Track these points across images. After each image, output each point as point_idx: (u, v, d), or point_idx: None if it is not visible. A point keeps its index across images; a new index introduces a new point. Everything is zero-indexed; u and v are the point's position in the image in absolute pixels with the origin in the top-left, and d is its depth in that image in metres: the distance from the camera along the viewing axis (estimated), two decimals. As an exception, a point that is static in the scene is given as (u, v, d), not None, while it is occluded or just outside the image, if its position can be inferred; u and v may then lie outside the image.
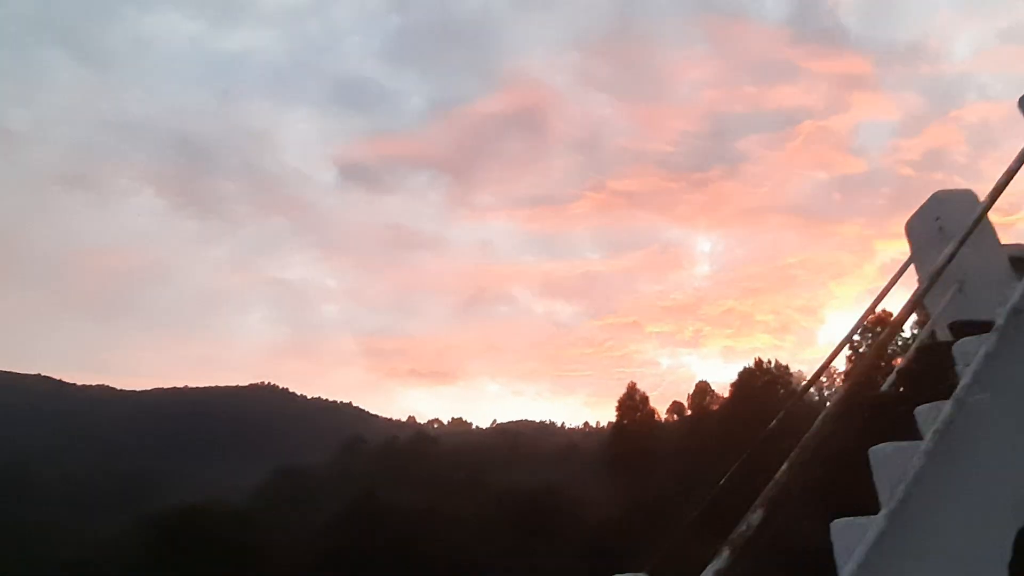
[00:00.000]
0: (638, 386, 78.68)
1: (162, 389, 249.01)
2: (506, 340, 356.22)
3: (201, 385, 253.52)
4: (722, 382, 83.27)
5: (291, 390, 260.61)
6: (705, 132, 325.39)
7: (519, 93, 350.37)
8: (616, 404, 76.02)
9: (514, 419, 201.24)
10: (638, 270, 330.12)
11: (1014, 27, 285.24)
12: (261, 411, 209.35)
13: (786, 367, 69.49)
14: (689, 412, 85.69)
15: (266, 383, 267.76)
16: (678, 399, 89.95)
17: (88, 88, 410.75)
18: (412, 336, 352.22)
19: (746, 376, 70.65)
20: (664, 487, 53.90)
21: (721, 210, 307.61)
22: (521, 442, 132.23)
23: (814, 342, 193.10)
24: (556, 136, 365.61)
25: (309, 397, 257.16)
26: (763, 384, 69.94)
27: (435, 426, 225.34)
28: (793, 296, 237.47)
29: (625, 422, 72.63)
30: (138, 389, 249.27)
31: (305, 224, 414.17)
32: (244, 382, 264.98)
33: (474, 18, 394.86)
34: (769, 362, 70.09)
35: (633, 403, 74.41)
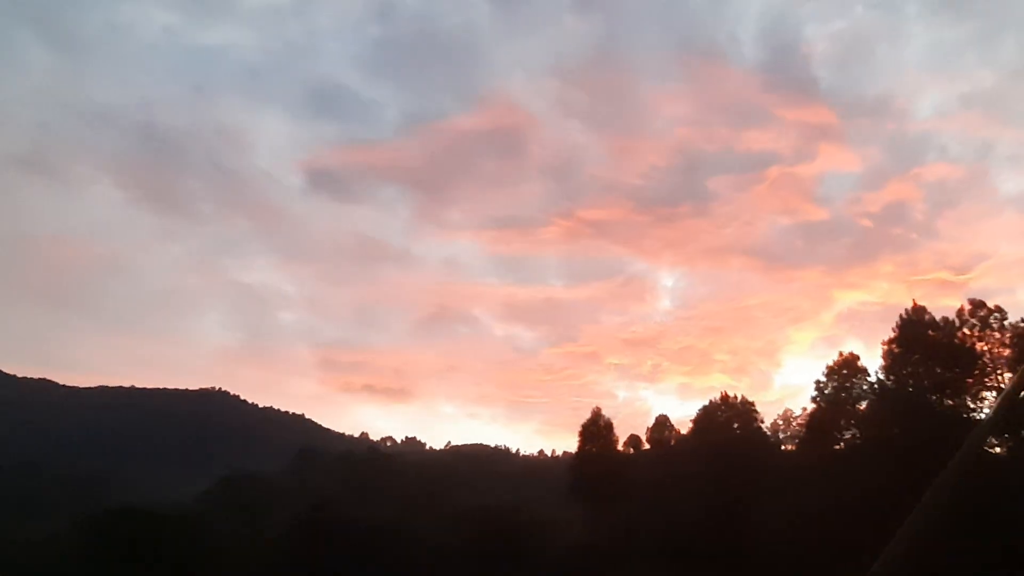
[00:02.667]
0: (602, 414, 78.30)
1: (107, 387, 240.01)
2: (464, 361, 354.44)
3: (149, 386, 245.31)
4: (678, 418, 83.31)
5: (243, 397, 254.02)
6: (676, 168, 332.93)
7: (496, 113, 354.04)
8: (579, 429, 75.41)
9: (468, 442, 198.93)
10: (601, 300, 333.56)
11: (975, 93, 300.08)
12: (210, 417, 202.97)
13: (752, 403, 70.00)
14: (647, 446, 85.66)
15: (217, 389, 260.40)
16: (635, 432, 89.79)
17: (54, 71, 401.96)
18: (370, 350, 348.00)
19: (710, 410, 70.95)
20: (631, 516, 53.46)
21: (687, 247, 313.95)
22: (476, 465, 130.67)
23: (770, 385, 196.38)
24: (529, 160, 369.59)
25: (261, 406, 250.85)
26: (725, 419, 70.35)
27: (388, 444, 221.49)
28: (752, 338, 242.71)
29: (589, 448, 72.07)
30: (82, 386, 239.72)
31: (269, 228, 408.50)
32: (194, 386, 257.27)
33: (456, 35, 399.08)
34: (735, 397, 70.60)
35: (597, 429, 73.97)
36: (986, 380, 52.02)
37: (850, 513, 45.85)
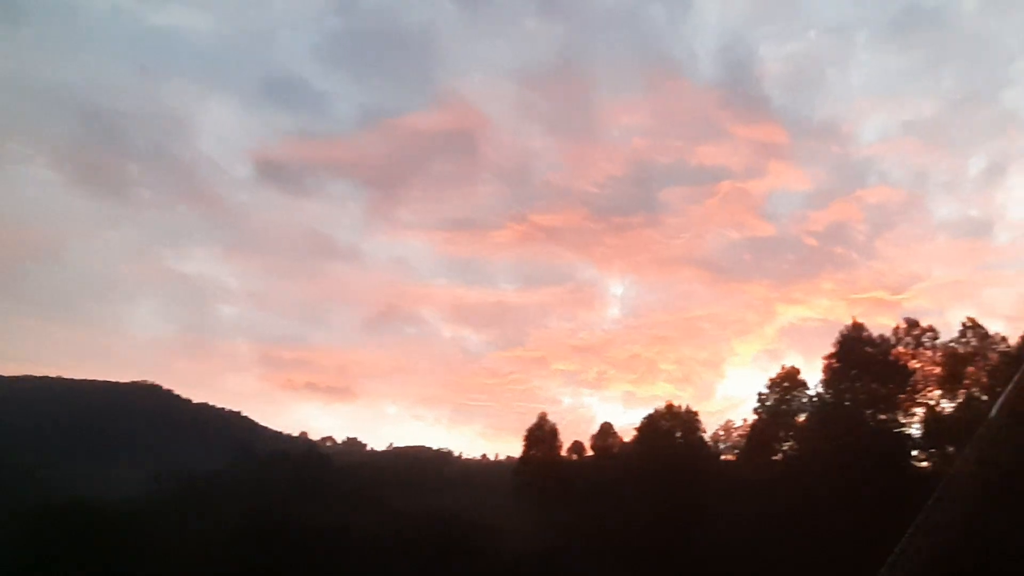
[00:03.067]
0: (547, 419, 78.44)
1: (32, 376, 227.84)
2: (410, 362, 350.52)
3: (77, 377, 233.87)
4: (622, 426, 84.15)
5: (177, 392, 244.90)
6: (630, 178, 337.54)
7: (453, 113, 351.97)
8: (525, 434, 75.39)
9: (411, 444, 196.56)
10: (550, 306, 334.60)
11: (916, 121, 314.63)
12: (142, 411, 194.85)
13: (695, 413, 71.27)
14: (590, 452, 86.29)
15: (149, 382, 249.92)
16: (578, 438, 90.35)
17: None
18: (313, 348, 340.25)
19: (654, 418, 71.90)
20: (572, 521, 53.51)
21: (638, 256, 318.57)
22: (418, 467, 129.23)
23: (713, 395, 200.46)
24: (485, 162, 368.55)
25: (195, 402, 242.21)
26: (669, 428, 71.39)
27: (328, 444, 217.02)
28: (698, 348, 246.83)
29: (533, 452, 72.08)
30: (6, 375, 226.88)
31: (212, 218, 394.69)
32: (125, 378, 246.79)
33: (417, 32, 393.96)
34: (680, 406, 71.74)
35: (542, 434, 74.09)
36: (916, 397, 54.21)
37: (786, 522, 47.01)
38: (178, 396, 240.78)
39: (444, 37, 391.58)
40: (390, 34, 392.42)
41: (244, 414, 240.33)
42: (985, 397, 51.17)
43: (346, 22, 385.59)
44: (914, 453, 53.32)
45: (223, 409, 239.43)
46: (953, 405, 52.19)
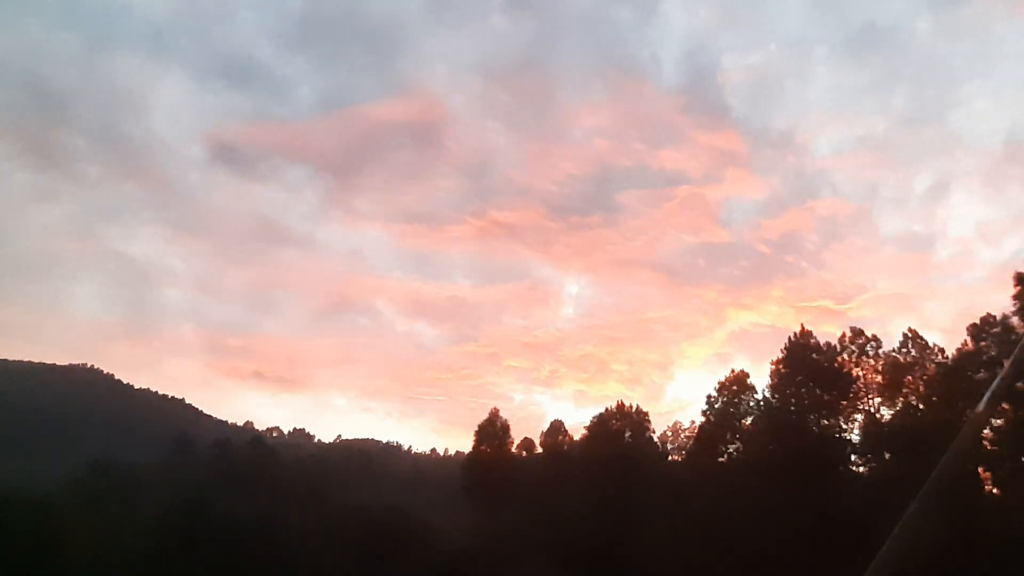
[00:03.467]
0: (499, 415, 78.13)
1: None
2: (362, 354, 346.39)
3: (11, 358, 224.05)
4: (572, 424, 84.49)
5: (117, 377, 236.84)
6: (590, 178, 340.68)
7: (415, 106, 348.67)
8: (476, 429, 74.89)
9: (360, 436, 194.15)
10: (505, 302, 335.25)
11: (867, 137, 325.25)
12: (79, 395, 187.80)
13: (646, 413, 71.86)
14: (540, 450, 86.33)
15: (88, 365, 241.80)
16: (528, 435, 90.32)
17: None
18: (262, 336, 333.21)
19: (605, 417, 72.29)
20: (519, 518, 53.25)
21: (594, 256, 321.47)
22: (366, 461, 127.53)
23: (662, 397, 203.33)
24: (446, 156, 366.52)
25: (136, 387, 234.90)
26: (619, 428, 71.87)
27: (274, 434, 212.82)
28: (649, 350, 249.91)
29: (483, 448, 71.64)
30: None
31: (160, 198, 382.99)
32: (63, 361, 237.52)
33: (381, 21, 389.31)
34: (630, 406, 72.24)
35: (493, 430, 73.69)
36: (858, 404, 55.65)
37: (728, 522, 47.69)
38: (119, 381, 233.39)
39: (409, 28, 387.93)
40: (354, 21, 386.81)
41: (188, 401, 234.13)
42: (922, 406, 52.88)
43: (308, 6, 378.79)
44: (853, 458, 54.72)
45: (166, 396, 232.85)
46: (891, 413, 53.73)
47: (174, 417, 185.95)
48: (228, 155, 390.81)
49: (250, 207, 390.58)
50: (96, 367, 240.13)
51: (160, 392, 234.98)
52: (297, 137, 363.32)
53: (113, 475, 70.50)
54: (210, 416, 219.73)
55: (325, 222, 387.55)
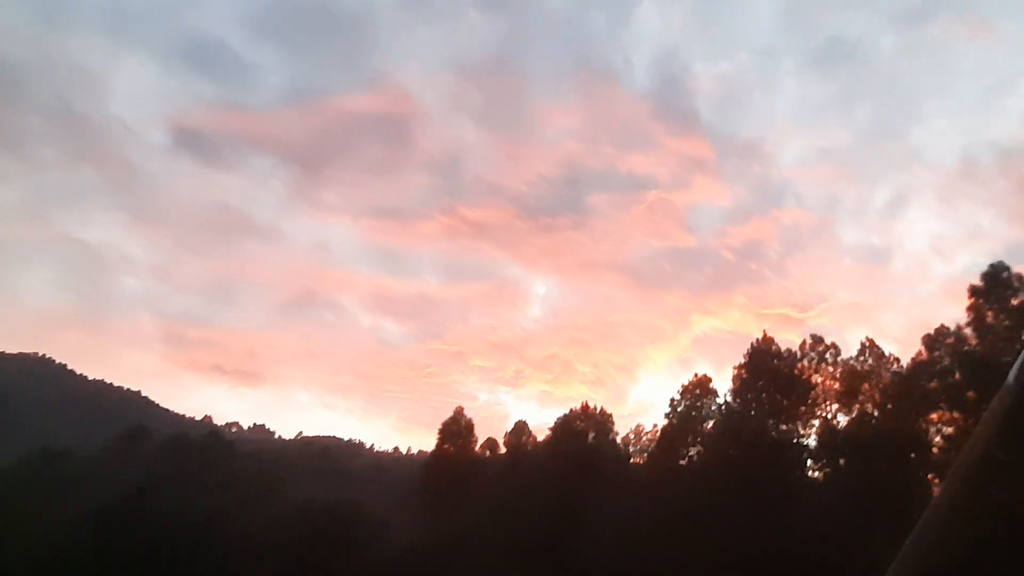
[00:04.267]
0: (464, 414, 77.66)
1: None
2: (325, 349, 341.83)
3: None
4: (536, 425, 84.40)
5: (70, 367, 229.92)
6: (560, 180, 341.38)
7: (386, 99, 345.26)
8: (440, 427, 74.31)
9: (321, 433, 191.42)
10: (473, 301, 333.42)
11: (831, 149, 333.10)
12: (28, 384, 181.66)
13: (609, 415, 72.09)
14: (503, 449, 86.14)
15: (39, 354, 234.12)
16: (492, 435, 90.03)
17: None
18: (223, 328, 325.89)
19: (569, 418, 72.34)
20: (478, 517, 52.79)
21: (562, 258, 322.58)
22: (326, 458, 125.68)
23: (625, 399, 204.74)
24: (416, 151, 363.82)
25: (90, 378, 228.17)
26: (583, 429, 71.99)
27: (233, 430, 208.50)
28: (614, 352, 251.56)
29: (447, 447, 71.12)
30: None
31: (118, 183, 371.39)
32: (12, 349, 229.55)
33: (354, 11, 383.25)
34: (595, 407, 72.45)
35: (457, 428, 73.22)
36: (816, 410, 56.60)
37: (686, 524, 47.99)
38: (72, 371, 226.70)
39: (382, 20, 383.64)
40: (326, 10, 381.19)
41: (144, 394, 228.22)
42: (877, 413, 54.01)
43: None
44: (809, 463, 55.59)
45: (121, 387, 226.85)
46: (848, 419, 54.74)
47: (129, 409, 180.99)
48: (191, 141, 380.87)
49: (213, 196, 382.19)
50: (47, 356, 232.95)
51: (115, 383, 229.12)
52: (264, 126, 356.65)
53: (60, 462, 68.28)
54: (167, 409, 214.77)
55: (291, 214, 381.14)
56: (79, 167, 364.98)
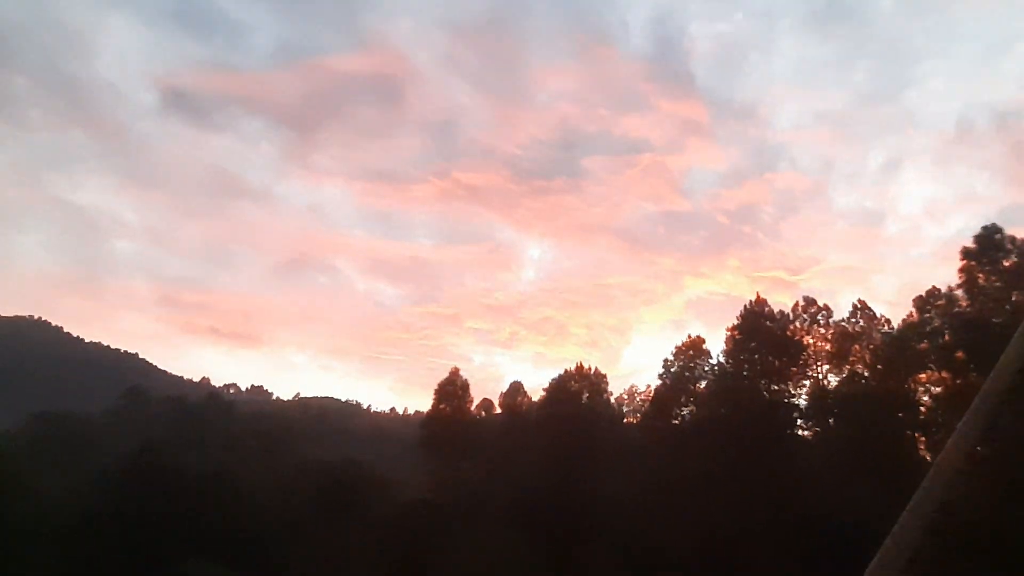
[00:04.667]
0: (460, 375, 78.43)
1: None
2: (321, 312, 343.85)
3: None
4: (530, 386, 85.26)
5: (66, 330, 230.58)
6: (555, 143, 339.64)
7: (379, 59, 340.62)
8: (436, 388, 75.05)
9: (319, 395, 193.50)
10: (467, 264, 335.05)
11: (827, 112, 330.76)
12: (26, 348, 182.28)
13: (604, 376, 72.92)
14: (499, 410, 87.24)
15: (36, 318, 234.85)
16: (487, 397, 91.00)
17: None
18: (218, 291, 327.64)
19: (564, 379, 73.17)
20: (476, 476, 53.91)
21: (556, 221, 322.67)
22: (324, 419, 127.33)
23: (619, 361, 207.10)
24: (410, 113, 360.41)
25: (87, 341, 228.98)
26: (577, 389, 72.94)
27: (231, 391, 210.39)
28: (608, 314, 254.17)
29: (443, 407, 72.01)
30: None
31: (109, 146, 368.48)
32: (8, 312, 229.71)
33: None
34: (589, 368, 73.22)
35: (453, 389, 74.03)
36: (808, 371, 57.47)
37: (680, 482, 49.19)
38: (68, 334, 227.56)
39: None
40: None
41: (141, 356, 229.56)
42: (867, 374, 54.93)
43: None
44: (800, 423, 56.69)
45: (118, 350, 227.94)
46: (838, 380, 55.68)
47: (127, 371, 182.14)
48: (181, 103, 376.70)
49: (205, 158, 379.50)
50: (43, 319, 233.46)
51: (112, 346, 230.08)
52: (255, 87, 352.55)
53: (61, 425, 69.06)
54: (164, 371, 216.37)
55: (284, 177, 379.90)
56: (69, 129, 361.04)
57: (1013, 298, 45.67)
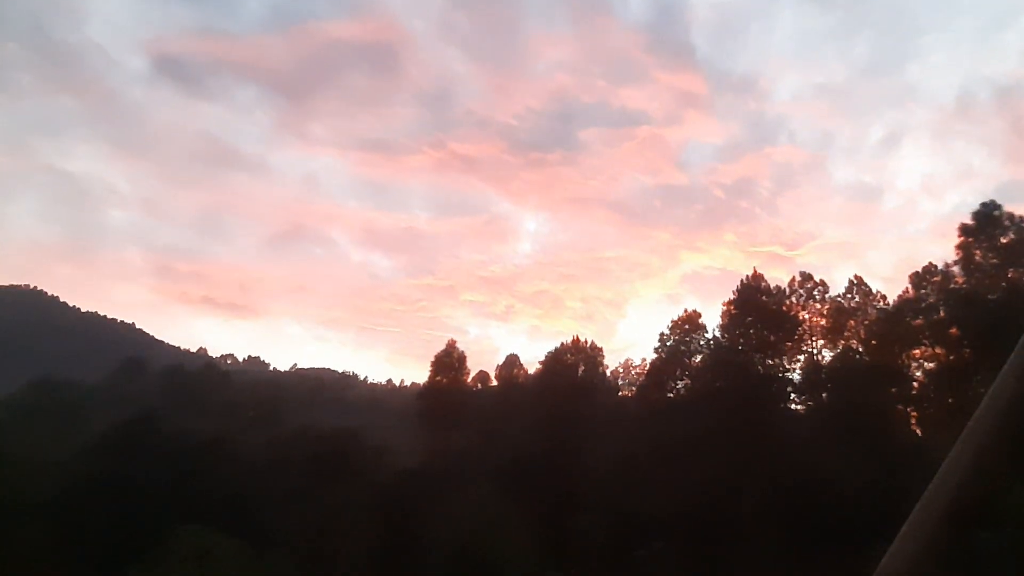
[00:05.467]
0: (456, 347, 78.83)
1: None
2: (316, 283, 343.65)
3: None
4: (526, 359, 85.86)
5: (62, 299, 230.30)
6: (552, 114, 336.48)
7: (374, 26, 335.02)
8: (432, 360, 75.52)
9: (315, 365, 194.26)
10: (463, 236, 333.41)
11: (827, 85, 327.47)
12: (23, 317, 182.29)
13: (600, 349, 73.35)
14: (495, 382, 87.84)
15: (31, 287, 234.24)
16: (483, 369, 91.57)
17: None
18: (212, 261, 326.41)
19: (560, 352, 73.58)
20: (471, 446, 54.35)
21: (553, 193, 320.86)
22: (321, 389, 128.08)
23: (614, 334, 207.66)
24: (405, 82, 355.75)
25: (84, 310, 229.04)
26: (573, 362, 73.37)
27: (228, 362, 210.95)
28: (603, 288, 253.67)
29: (440, 379, 72.48)
30: None
31: (100, 112, 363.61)
32: (3, 281, 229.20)
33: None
34: (585, 341, 73.60)
35: (450, 361, 74.46)
36: (803, 346, 57.73)
37: (674, 454, 49.66)
38: (65, 303, 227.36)
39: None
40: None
41: (138, 326, 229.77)
42: (861, 349, 55.22)
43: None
44: (793, 396, 57.10)
45: (115, 320, 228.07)
46: (832, 355, 55.96)
47: (125, 341, 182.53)
48: (173, 69, 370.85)
49: (197, 126, 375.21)
50: (38, 288, 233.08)
51: (109, 316, 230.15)
52: (247, 53, 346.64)
53: (60, 393, 69.33)
54: (162, 341, 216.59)
55: (277, 146, 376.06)
56: (58, 95, 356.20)
57: (1010, 275, 45.72)
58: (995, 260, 46.74)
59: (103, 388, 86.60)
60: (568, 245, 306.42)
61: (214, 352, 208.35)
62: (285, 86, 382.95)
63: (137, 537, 38.89)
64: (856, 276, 57.61)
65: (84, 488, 43.64)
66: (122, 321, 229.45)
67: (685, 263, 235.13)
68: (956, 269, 48.18)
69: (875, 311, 55.41)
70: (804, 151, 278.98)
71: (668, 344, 61.95)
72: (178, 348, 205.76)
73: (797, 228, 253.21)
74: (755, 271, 60.56)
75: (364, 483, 47.32)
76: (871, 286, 57.04)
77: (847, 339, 55.37)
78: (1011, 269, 46.03)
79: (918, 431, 50.39)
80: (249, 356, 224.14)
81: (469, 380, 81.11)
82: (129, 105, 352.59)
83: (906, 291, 53.06)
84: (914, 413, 50.81)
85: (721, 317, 59.71)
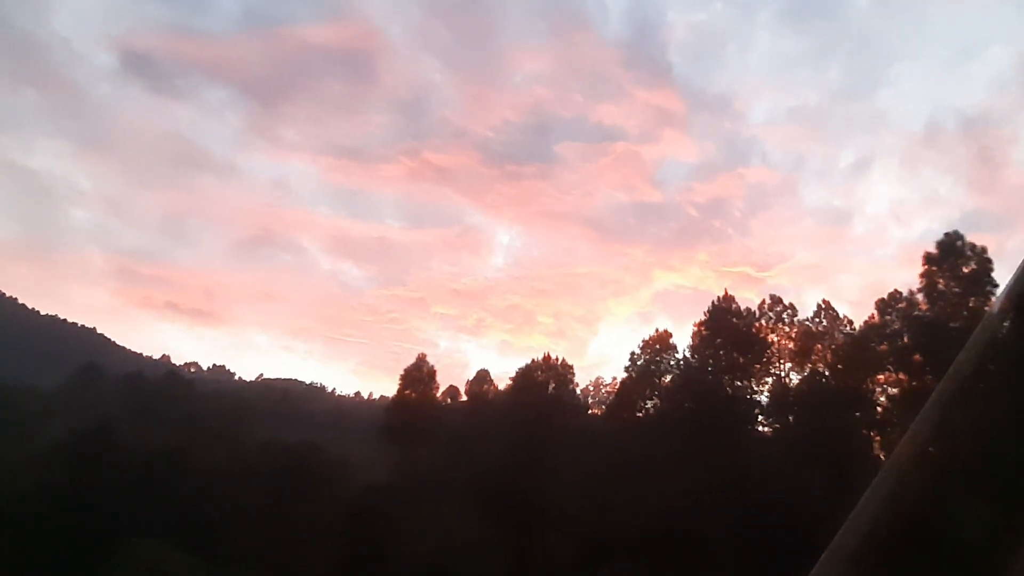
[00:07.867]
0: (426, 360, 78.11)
1: None
2: (284, 291, 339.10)
3: None
4: (496, 374, 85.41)
5: (20, 300, 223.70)
6: (528, 127, 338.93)
7: (350, 31, 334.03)
8: (402, 373, 74.60)
9: (281, 376, 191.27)
10: (435, 247, 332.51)
11: (799, 108, 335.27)
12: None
13: (571, 367, 73.24)
14: (464, 398, 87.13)
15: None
16: (453, 383, 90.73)
17: None
18: (176, 266, 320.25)
19: (531, 368, 73.31)
20: (438, 461, 53.72)
21: (527, 207, 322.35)
22: (287, 400, 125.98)
23: (585, 351, 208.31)
24: (380, 89, 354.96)
25: (43, 313, 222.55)
26: (544, 379, 73.18)
27: (192, 370, 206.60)
28: (576, 304, 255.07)
29: (408, 393, 71.66)
30: None
31: (64, 108, 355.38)
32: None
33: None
34: (556, 358, 73.49)
35: (420, 375, 73.66)
36: (771, 368, 58.41)
37: (641, 473, 49.71)
38: (22, 305, 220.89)
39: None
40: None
41: (99, 331, 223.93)
42: (828, 373, 56.05)
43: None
44: (760, 418, 57.67)
45: (75, 324, 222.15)
46: (799, 378, 56.73)
47: (84, 346, 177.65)
48: (142, 66, 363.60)
49: (165, 126, 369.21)
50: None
51: (69, 320, 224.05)
52: (219, 54, 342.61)
53: (13, 399, 66.98)
54: (123, 347, 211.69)
55: (247, 149, 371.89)
56: (21, 89, 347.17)
57: (971, 304, 46.88)
58: (957, 289, 47.94)
59: (60, 394, 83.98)
60: (541, 260, 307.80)
61: (177, 359, 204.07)
62: (258, 89, 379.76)
63: (89, 550, 37.49)
64: (824, 300, 58.67)
65: (36, 498, 41.99)
66: (82, 325, 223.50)
67: (657, 281, 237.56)
68: (920, 296, 49.30)
69: (842, 336, 56.36)
70: (777, 173, 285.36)
71: (639, 363, 62.21)
72: (140, 355, 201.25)
73: (768, 249, 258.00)
74: (726, 292, 61.30)
75: (329, 498, 46.40)
76: (838, 310, 58.11)
77: (814, 362, 56.17)
78: (972, 298, 47.22)
79: (881, 455, 51.14)
80: (214, 364, 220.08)
81: (438, 395, 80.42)
82: (95, 102, 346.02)
83: (872, 317, 54.09)
84: (877, 437, 51.57)
85: (692, 338, 60.23)
